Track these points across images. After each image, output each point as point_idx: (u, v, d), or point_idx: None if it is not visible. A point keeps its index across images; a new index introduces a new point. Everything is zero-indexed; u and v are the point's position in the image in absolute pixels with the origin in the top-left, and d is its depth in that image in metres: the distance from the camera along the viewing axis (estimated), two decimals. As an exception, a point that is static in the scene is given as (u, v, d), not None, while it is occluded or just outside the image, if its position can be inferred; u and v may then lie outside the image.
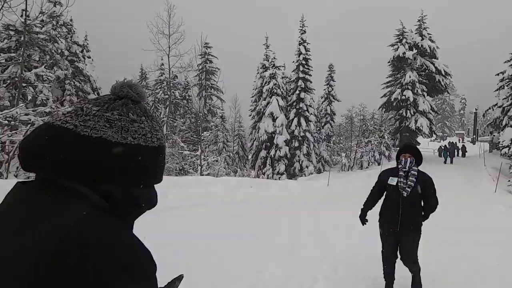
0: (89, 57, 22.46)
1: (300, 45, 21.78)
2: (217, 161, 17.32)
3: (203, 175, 14.64)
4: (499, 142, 19.75)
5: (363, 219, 3.14)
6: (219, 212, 5.66)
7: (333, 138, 24.39)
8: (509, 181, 12.42)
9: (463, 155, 28.15)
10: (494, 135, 27.66)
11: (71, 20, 21.41)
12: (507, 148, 18.62)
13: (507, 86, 22.03)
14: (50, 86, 19.69)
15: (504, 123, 19.76)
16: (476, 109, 46.18)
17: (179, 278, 0.67)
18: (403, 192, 2.81)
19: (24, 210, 0.49)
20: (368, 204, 3.16)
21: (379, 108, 27.72)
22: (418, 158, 2.93)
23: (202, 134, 14.54)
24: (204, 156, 17.86)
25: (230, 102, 36.17)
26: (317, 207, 7.03)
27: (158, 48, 16.47)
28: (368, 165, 22.44)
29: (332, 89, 26.80)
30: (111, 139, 0.51)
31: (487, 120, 32.88)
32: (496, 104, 24.24)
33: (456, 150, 27.16)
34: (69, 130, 0.51)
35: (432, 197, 2.85)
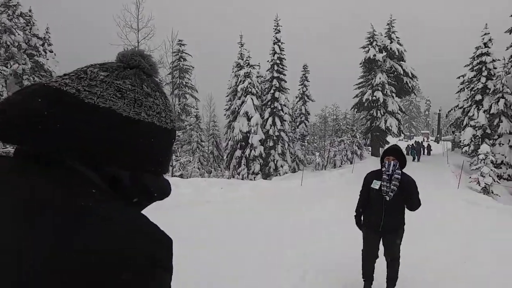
0: (51, 51, 20.92)
1: (274, 45, 21.74)
2: (190, 161, 16.77)
3: (175, 176, 14.07)
4: (460, 141, 20.99)
5: (360, 225, 3.14)
6: (184, 215, 5.28)
7: (308, 138, 24.65)
8: (470, 177, 13.15)
9: (429, 153, 29.71)
10: (455, 135, 29.46)
11: (30, 10, 19.82)
12: (467, 147, 19.83)
13: (467, 88, 23.44)
14: (6, 81, 18.02)
15: (464, 123, 21.01)
16: (439, 110, 49.09)
17: None
18: (386, 196, 2.85)
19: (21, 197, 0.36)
20: (361, 209, 3.15)
21: (351, 109, 28.52)
22: (402, 161, 2.94)
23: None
24: (177, 156, 17.24)
25: (205, 101, 35.57)
26: (288, 207, 6.87)
27: (125, 43, 15.54)
28: (341, 163, 22.90)
29: (307, 89, 27.12)
30: (122, 112, 0.42)
31: (449, 120, 34.97)
32: (457, 106, 25.78)
33: (422, 149, 28.55)
34: (69, 94, 0.40)
35: (415, 199, 2.87)
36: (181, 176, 14.43)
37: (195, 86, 29.68)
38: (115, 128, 0.41)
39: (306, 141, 23.66)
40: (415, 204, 2.87)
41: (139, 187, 0.47)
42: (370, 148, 28.71)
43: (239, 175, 20.42)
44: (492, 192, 12.29)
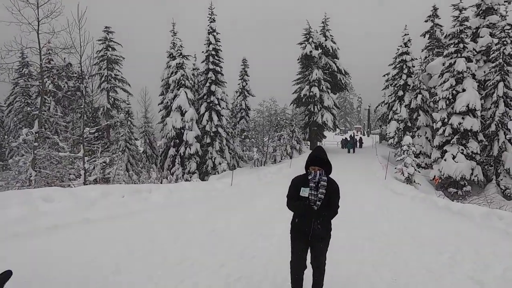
0: None
1: (209, 34, 20.35)
2: (110, 163, 14.51)
3: (87, 182, 11.83)
4: (386, 134, 22.59)
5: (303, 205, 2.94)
6: (43, 247, 3.67)
7: (249, 133, 23.94)
8: (395, 168, 13.87)
9: (360, 146, 31.77)
10: (382, 128, 32.03)
11: None
12: (392, 139, 21.39)
13: (391, 85, 25.41)
14: None
15: (390, 117, 22.62)
16: (369, 106, 53.54)
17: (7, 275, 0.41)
18: (314, 206, 2.83)
19: None
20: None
21: (290, 104, 28.78)
22: (327, 168, 2.92)
23: (86, 131, 11.66)
24: (97, 157, 14.76)
25: (140, 96, 32.34)
26: (206, 216, 5.84)
27: (20, 21, 12.51)
28: (281, 158, 22.78)
29: (247, 83, 26.40)
30: None
31: (377, 115, 38.11)
32: (383, 102, 27.95)
33: (355, 142, 30.34)
34: None
35: (334, 206, 2.91)
36: (95, 180, 12.23)
37: (126, 79, 26.84)
38: None
39: (243, 137, 22.86)
40: (331, 214, 2.89)
41: None
42: (308, 142, 29.43)
43: (172, 175, 18.67)
44: (414, 181, 13.14)
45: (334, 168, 2.95)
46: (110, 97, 25.71)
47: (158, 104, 22.96)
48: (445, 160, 16.15)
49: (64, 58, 25.50)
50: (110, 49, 25.18)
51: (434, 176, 15.50)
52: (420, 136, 19.69)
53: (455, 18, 16.95)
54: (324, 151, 2.95)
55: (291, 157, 22.51)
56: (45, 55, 26.87)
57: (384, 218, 5.75)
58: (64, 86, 25.87)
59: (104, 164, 15.36)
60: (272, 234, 4.68)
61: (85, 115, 22.53)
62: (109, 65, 25.34)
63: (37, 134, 13.01)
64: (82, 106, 11.85)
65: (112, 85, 25.61)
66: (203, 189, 8.01)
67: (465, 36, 16.51)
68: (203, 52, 20.66)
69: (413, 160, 13.37)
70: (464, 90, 15.88)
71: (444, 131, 16.48)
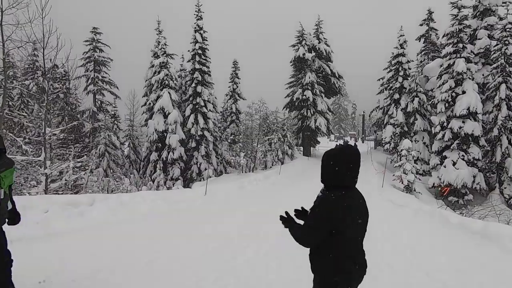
0: None
1: (196, 32, 19.24)
2: (81, 167, 13.12)
3: (48, 189, 10.43)
4: (382, 139, 21.58)
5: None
6: None
7: (239, 137, 22.66)
8: (393, 175, 12.73)
9: (355, 152, 30.75)
10: (377, 134, 31.13)
11: None
12: (388, 144, 20.36)
13: (386, 89, 24.56)
14: None
15: (385, 121, 21.64)
16: (363, 112, 52.92)
17: None
18: None
19: None
20: None
21: (283, 108, 27.73)
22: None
23: (49, 132, 10.32)
24: (66, 161, 13.36)
25: (128, 99, 31.08)
26: (151, 240, 4.48)
27: (-21, 9, 11.23)
28: (272, 164, 21.57)
29: (237, 86, 25.31)
30: None
31: (372, 121, 37.29)
32: (378, 106, 27.09)
33: (349, 148, 29.36)
34: None
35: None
36: (60, 188, 10.82)
37: (114, 81, 25.74)
38: None
39: (230, 141, 21.56)
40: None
41: None
42: (301, 148, 28.31)
43: (153, 182, 17.28)
44: (415, 190, 12.02)
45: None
46: (96, 100, 24.53)
47: (142, 106, 21.71)
48: (444, 166, 15.10)
49: (51, 59, 24.59)
50: (97, 50, 24.14)
51: (440, 186, 14.35)
52: (418, 141, 18.68)
53: (454, 16, 16.13)
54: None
55: (282, 163, 21.31)
56: (30, 56, 25.71)
57: (384, 238, 4.58)
58: (49, 89, 24.65)
59: (76, 169, 13.95)
60: (238, 269, 3.42)
61: (48, 114, 21.11)
62: (96, 67, 24.28)
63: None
64: (45, 104, 10.51)
65: (99, 87, 24.49)
66: (169, 200, 6.71)
67: (465, 35, 15.65)
68: (189, 51, 19.52)
69: (413, 166, 12.26)
70: (464, 92, 14.95)
71: (443, 135, 15.47)
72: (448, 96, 15.31)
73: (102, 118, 23.63)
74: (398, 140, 19.75)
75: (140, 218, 5.41)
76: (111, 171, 20.24)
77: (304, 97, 25.66)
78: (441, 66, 16.90)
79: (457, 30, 15.48)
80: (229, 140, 21.19)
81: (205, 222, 5.59)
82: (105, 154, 20.43)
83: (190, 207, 6.63)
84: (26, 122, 12.83)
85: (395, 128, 19.77)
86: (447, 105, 15.47)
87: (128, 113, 29.00)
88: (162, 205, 6.31)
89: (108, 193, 13.58)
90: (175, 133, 17.80)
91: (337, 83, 28.65)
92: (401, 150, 12.75)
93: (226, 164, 20.53)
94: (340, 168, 1.79)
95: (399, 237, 5.06)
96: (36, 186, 10.68)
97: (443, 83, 15.83)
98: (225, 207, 6.86)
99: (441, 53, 22.55)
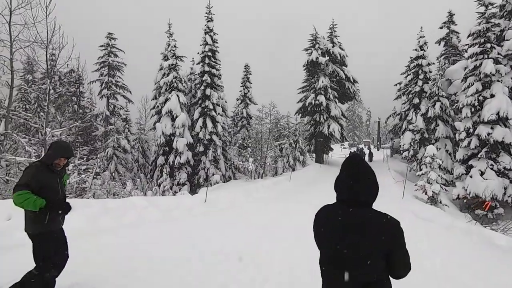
0: None
1: (206, 35, 18.84)
2: (85, 171, 12.72)
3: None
4: (400, 146, 20.34)
5: None
6: None
7: (248, 142, 21.93)
8: (415, 185, 11.62)
9: (370, 159, 29.46)
10: (394, 141, 29.73)
11: None
12: (407, 152, 19.12)
13: (404, 94, 23.38)
14: None
15: (403, 127, 20.43)
16: (379, 119, 51.29)
17: None
18: None
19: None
20: None
21: (295, 113, 26.91)
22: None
23: (50, 132, 9.95)
24: (71, 164, 13.01)
25: (140, 103, 31.18)
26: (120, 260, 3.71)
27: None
28: (283, 171, 20.69)
29: (248, 91, 24.78)
30: None
31: (388, 127, 35.84)
32: (395, 112, 25.85)
33: (364, 156, 28.09)
34: None
35: None
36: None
37: (127, 85, 25.92)
38: None
39: (238, 145, 20.80)
40: None
41: None
42: (314, 154, 27.29)
43: (159, 187, 16.74)
44: (441, 202, 10.86)
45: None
46: (110, 104, 24.63)
47: (151, 109, 21.44)
48: (471, 176, 13.81)
49: (67, 64, 25.17)
50: (112, 55, 24.35)
51: (465, 198, 13.05)
52: (440, 148, 17.38)
53: (481, 15, 15.00)
54: None
55: (293, 170, 20.41)
56: (49, 60, 26.32)
57: (415, 265, 3.69)
58: (67, 93, 24.98)
59: (81, 172, 13.59)
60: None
61: (60, 117, 21.04)
62: (110, 71, 24.49)
63: (2, 137, 11.39)
64: (46, 103, 10.17)
65: (113, 91, 24.62)
66: (162, 207, 5.98)
67: (492, 34, 14.48)
68: (198, 53, 19.13)
69: (438, 176, 11.12)
70: (492, 95, 13.72)
71: (469, 142, 14.22)
72: (475, 100, 14.11)
73: (114, 122, 23.67)
74: (418, 148, 18.51)
75: (122, 228, 4.71)
76: (118, 174, 19.93)
77: (317, 102, 24.78)
78: (465, 68, 15.73)
79: (484, 29, 14.34)
80: (237, 145, 20.48)
81: (194, 236, 4.83)
82: (113, 158, 20.17)
83: (184, 217, 5.88)
84: (32, 123, 12.58)
85: (415, 135, 18.55)
86: (473, 109, 14.26)
87: (139, 116, 29.03)
88: (153, 212, 5.62)
89: (109, 197, 13.09)
90: (182, 137, 17.28)
91: (351, 87, 27.63)
92: (425, 157, 11.63)
93: (234, 170, 19.81)
94: (338, 177, 1.69)
95: (432, 262, 4.13)
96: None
97: (468, 86, 14.64)
98: (223, 217, 6.08)
99: (463, 56, 21.29)
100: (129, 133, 23.44)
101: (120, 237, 4.50)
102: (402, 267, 1.56)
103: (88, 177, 13.33)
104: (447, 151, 17.61)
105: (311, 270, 2.42)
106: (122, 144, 21.05)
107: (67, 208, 2.77)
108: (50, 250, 2.73)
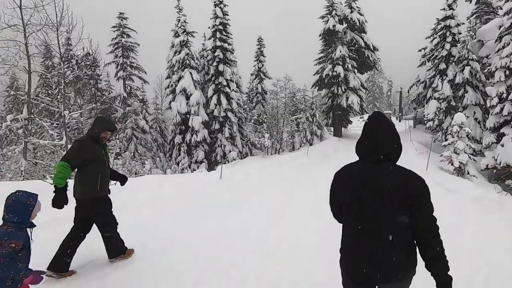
0: None
1: (216, 7, 18.10)
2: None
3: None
4: (424, 116, 19.31)
5: None
6: None
7: (264, 117, 21.59)
8: (440, 156, 11.02)
9: (391, 131, 28.34)
10: (417, 111, 28.31)
11: None
12: (431, 121, 18.13)
13: (428, 60, 21.82)
14: None
15: (428, 96, 19.26)
16: (401, 89, 48.76)
17: None
18: None
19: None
20: None
21: (312, 86, 25.98)
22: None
23: (69, 115, 10.16)
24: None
25: (155, 83, 31.30)
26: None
27: (1, -5, 11.11)
28: (300, 146, 20.41)
29: (263, 65, 24.06)
30: None
31: (411, 97, 34.05)
32: (419, 80, 24.32)
33: (385, 127, 27.08)
34: None
35: None
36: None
37: (142, 66, 26.02)
38: None
39: (253, 121, 20.52)
40: None
41: None
42: (332, 128, 26.59)
43: (178, 165, 17.06)
44: (468, 173, 10.28)
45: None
46: (126, 85, 24.90)
47: (165, 88, 21.42)
48: (502, 145, 12.93)
49: (83, 47, 25.38)
50: (124, 35, 24.28)
51: (495, 168, 12.33)
52: (468, 117, 16.29)
53: (521, -37, 13.27)
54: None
55: (311, 144, 20.06)
56: (64, 46, 26.63)
57: (445, 237, 3.46)
58: (84, 77, 25.46)
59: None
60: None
61: (66, 98, 21.44)
62: (124, 52, 24.54)
63: (26, 121, 11.78)
64: (62, 86, 10.28)
65: (128, 73, 24.79)
66: (178, 185, 5.97)
67: (534, -15, 12.87)
68: (209, 27, 18.52)
69: (466, 145, 10.45)
70: (531, 55, 12.44)
71: (501, 109, 13.18)
72: (510, 61, 12.87)
73: (132, 103, 24.04)
74: (443, 117, 17.47)
75: (134, 207, 4.74)
76: (139, 154, 20.48)
77: (334, 73, 23.71)
78: (500, 27, 14.24)
79: (525, -21, 12.73)
80: (253, 121, 20.24)
81: (206, 212, 4.80)
82: (132, 138, 20.65)
83: (199, 194, 5.87)
84: (52, 107, 12.88)
85: (440, 103, 17.44)
86: (507, 72, 13.05)
87: (154, 96, 29.20)
88: (168, 191, 5.65)
89: (131, 176, 13.48)
90: (197, 115, 17.25)
91: (371, 56, 26.09)
92: (452, 127, 10.90)
93: (251, 146, 19.76)
94: (359, 138, 1.71)
95: (458, 235, 3.87)
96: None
97: (503, 47, 13.32)
98: (238, 193, 6.00)
99: (497, 14, 19.23)
100: (146, 113, 23.78)
101: (136, 214, 4.57)
102: (427, 220, 1.55)
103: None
104: (476, 119, 16.51)
105: (331, 248, 2.27)
106: (140, 125, 21.43)
107: (60, 204, 2.95)
108: (108, 211, 3.17)
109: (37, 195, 2.24)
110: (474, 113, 16.62)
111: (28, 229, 2.18)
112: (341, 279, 1.70)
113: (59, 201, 2.87)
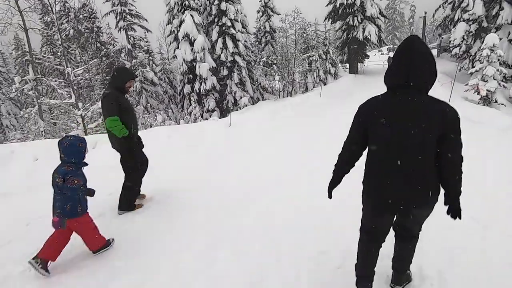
0: None
1: None
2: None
3: (88, 131, 10.59)
4: (450, 42, 17.52)
5: None
6: None
7: (273, 58, 20.38)
8: (466, 85, 10.17)
9: (412, 63, 26.37)
10: (442, 38, 25.79)
11: None
12: (458, 47, 16.50)
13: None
14: None
15: (456, 18, 17.17)
16: (425, 13, 43.89)
17: None
18: None
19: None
20: None
21: (325, 20, 23.75)
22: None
23: (72, 72, 9.91)
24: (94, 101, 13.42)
25: (159, 31, 29.59)
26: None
27: None
28: (314, 86, 19.55)
29: (269, -1, 21.80)
30: None
31: (436, 22, 30.67)
32: (446, 1, 21.48)
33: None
34: None
35: None
36: (96, 128, 10.96)
37: (142, 14, 24.47)
38: None
39: (262, 63, 19.45)
40: None
41: None
42: (347, 65, 25.01)
43: (190, 115, 17.02)
44: (496, 101, 9.53)
45: (380, 90, 1.67)
46: (129, 36, 23.81)
47: (168, 36, 20.29)
48: (537, 68, 11.73)
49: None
50: (120, -19, 22.33)
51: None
52: (501, 38, 14.61)
53: None
54: None
55: (325, 84, 19.15)
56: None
57: (464, 172, 3.23)
58: (85, 31, 24.41)
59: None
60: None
61: (85, 56, 20.85)
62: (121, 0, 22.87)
63: (34, 82, 11.74)
64: (60, 42, 9.86)
65: (129, 22, 23.47)
66: (187, 135, 5.86)
67: None
68: (206, -42, 16.49)
69: (497, 70, 9.49)
70: None
71: (542, 26, 11.61)
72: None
73: (136, 55, 23.25)
74: (472, 41, 15.79)
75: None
76: (151, 107, 20.50)
77: (349, 1, 21.32)
78: None
79: None
80: (261, 63, 19.23)
81: (215, 160, 4.75)
82: (142, 92, 20.46)
83: (207, 144, 5.79)
84: (56, 65, 12.62)
85: (470, 25, 15.59)
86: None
87: (159, 46, 28.00)
88: (177, 142, 5.58)
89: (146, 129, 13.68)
90: (204, 62, 16.51)
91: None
92: (481, 50, 9.79)
93: (262, 91, 19.16)
94: (389, 65, 1.66)
95: (483, 172, 3.63)
96: (76, 128, 10.97)
97: None
98: (248, 139, 5.86)
99: None
100: (153, 65, 23.06)
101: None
102: (456, 153, 1.54)
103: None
104: (509, 40, 14.78)
105: (352, 192, 2.18)
106: (149, 77, 20.99)
107: (142, 147, 3.41)
108: (137, 162, 3.30)
109: (84, 138, 2.49)
110: (509, 33, 14.84)
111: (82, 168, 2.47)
112: (363, 210, 1.78)
113: (139, 146, 3.27)
